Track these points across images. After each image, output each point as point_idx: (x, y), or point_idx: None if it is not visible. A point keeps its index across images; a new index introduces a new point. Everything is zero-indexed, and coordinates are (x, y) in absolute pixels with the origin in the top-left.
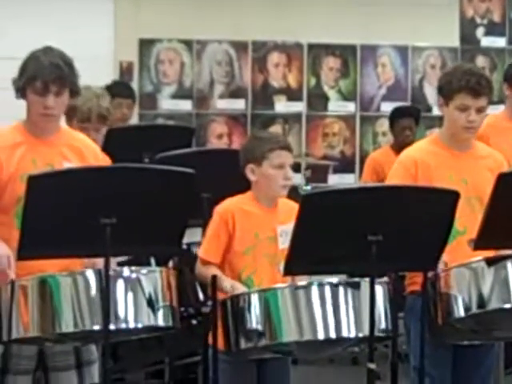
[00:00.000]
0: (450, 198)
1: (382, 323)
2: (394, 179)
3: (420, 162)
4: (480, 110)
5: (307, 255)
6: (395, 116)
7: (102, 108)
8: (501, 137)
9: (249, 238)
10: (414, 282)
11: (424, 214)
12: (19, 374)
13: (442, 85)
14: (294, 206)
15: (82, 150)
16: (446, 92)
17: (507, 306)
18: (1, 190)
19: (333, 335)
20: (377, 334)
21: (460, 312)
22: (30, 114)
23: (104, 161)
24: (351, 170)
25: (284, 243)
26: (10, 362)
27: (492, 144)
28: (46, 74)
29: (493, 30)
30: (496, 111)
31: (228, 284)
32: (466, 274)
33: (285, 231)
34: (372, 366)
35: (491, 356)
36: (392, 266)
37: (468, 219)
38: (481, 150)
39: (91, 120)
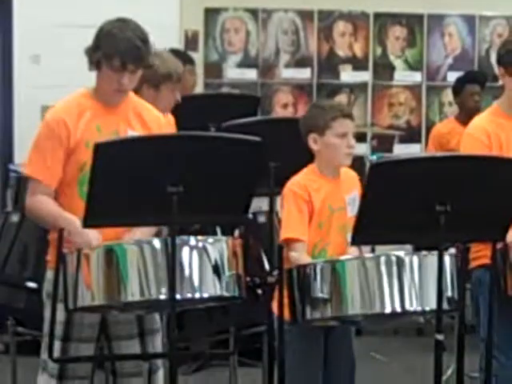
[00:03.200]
0: None
1: (449, 295)
2: (469, 152)
3: (492, 133)
4: None
5: (374, 225)
6: (462, 82)
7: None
8: None
9: (324, 211)
10: (480, 255)
11: (493, 185)
12: (82, 341)
13: (501, 54)
14: (354, 175)
15: (144, 117)
16: (506, 60)
17: None
18: (67, 158)
19: (399, 309)
20: (444, 306)
21: None
22: (101, 86)
23: (167, 126)
24: (417, 140)
25: (352, 211)
26: (72, 330)
27: None
28: (124, 54)
29: None
30: None
31: None
32: None
33: (352, 199)
34: (440, 337)
35: None
36: (460, 236)
37: None
38: None
39: (182, 78)
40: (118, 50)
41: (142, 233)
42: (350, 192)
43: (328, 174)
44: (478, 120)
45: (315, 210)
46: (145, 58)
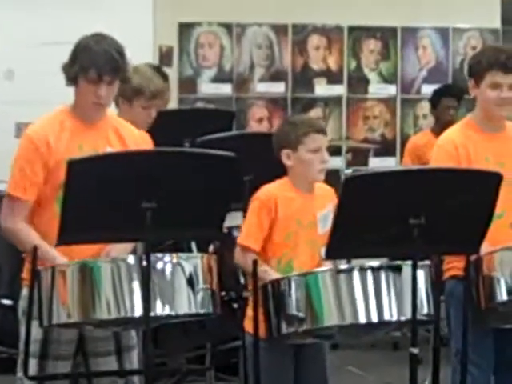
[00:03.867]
0: (493, 180)
1: (424, 307)
2: (437, 164)
3: (460, 145)
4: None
5: (349, 239)
6: (439, 95)
7: (165, 84)
8: None
9: (290, 224)
10: (453, 266)
11: (466, 197)
12: (59, 359)
13: (471, 66)
14: (329, 189)
15: (123, 134)
16: (476, 72)
17: None
18: (47, 176)
19: (374, 319)
20: (419, 317)
21: (503, 295)
22: (79, 101)
23: (145, 143)
24: (392, 153)
25: (323, 228)
26: (49, 347)
27: None
28: (100, 65)
29: None
30: None
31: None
32: (510, 257)
33: (324, 216)
34: (414, 350)
35: None
36: (434, 249)
37: (506, 202)
38: None
39: (158, 96)
40: (93, 61)
41: (119, 249)
42: (324, 208)
43: (301, 189)
44: (448, 132)
45: (279, 219)
46: (121, 69)
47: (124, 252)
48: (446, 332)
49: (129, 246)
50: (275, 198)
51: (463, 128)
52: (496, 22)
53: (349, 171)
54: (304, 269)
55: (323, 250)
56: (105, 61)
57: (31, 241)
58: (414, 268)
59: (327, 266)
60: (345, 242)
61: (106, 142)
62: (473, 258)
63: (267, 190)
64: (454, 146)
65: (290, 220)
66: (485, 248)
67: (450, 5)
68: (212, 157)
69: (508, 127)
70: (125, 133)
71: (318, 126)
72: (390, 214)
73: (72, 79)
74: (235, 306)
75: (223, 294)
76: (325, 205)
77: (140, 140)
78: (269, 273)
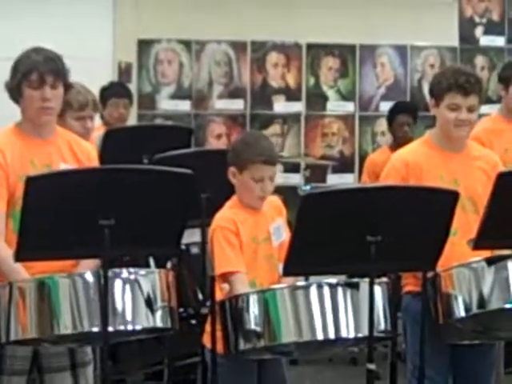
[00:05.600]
0: (449, 198)
1: (381, 323)
2: (385, 181)
3: (411, 163)
4: (471, 109)
5: (306, 256)
6: (393, 112)
7: (94, 95)
8: (498, 139)
9: (249, 243)
10: (408, 282)
11: (423, 214)
12: (14, 374)
13: (432, 86)
14: (276, 200)
15: (76, 150)
16: (436, 92)
17: (508, 305)
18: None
19: (332, 336)
20: (376, 334)
21: (461, 312)
22: (27, 111)
23: (95, 160)
24: (350, 170)
25: (277, 240)
26: (4, 362)
27: (495, 147)
28: (40, 67)
29: (492, 29)
30: (495, 110)
31: None
32: (467, 274)
33: (276, 228)
34: (371, 366)
35: (491, 356)
36: (391, 266)
37: (459, 220)
38: (475, 151)
39: (88, 106)
40: (34, 64)
41: (86, 265)
42: (274, 221)
43: (250, 206)
44: (403, 149)
45: (243, 242)
46: (61, 72)
47: (90, 267)
48: (403, 348)
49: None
50: (234, 221)
51: (420, 145)
52: (454, 40)
53: (307, 188)
54: (265, 284)
55: (281, 267)
56: (45, 63)
57: (5, 259)
58: (371, 285)
59: (285, 282)
60: (302, 258)
61: (60, 157)
62: (430, 274)
63: (223, 216)
64: (404, 164)
65: (248, 239)
66: None
67: (408, 23)
68: (169, 174)
69: (469, 146)
70: (78, 148)
71: (267, 157)
72: (347, 231)
73: (15, 90)
74: (193, 322)
75: (181, 310)
76: (274, 217)
77: (94, 156)
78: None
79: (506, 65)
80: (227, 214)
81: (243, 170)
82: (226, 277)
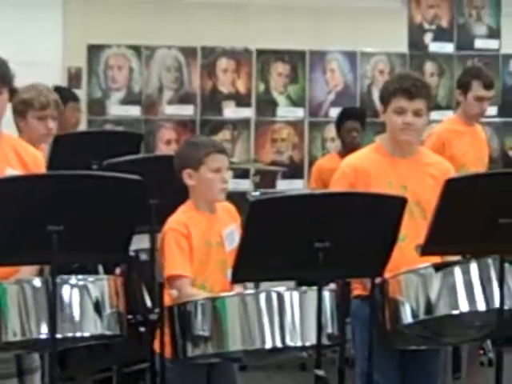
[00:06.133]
0: (397, 204)
1: (329, 330)
2: (333, 187)
3: (359, 169)
4: (417, 113)
5: (255, 262)
6: (341, 118)
7: (56, 96)
8: (458, 140)
9: (202, 246)
10: (357, 286)
11: (371, 221)
12: None
13: (381, 93)
14: (230, 207)
15: (22, 155)
16: (384, 98)
17: (455, 312)
18: None
19: (280, 344)
20: (324, 341)
21: (408, 318)
22: None
23: (42, 165)
24: (300, 176)
25: (230, 245)
26: None
27: (454, 148)
28: None
29: (441, 35)
30: (444, 117)
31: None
32: (414, 280)
33: (229, 233)
34: (319, 372)
35: (439, 361)
36: (339, 272)
37: (407, 225)
38: (426, 157)
39: (50, 106)
40: None
41: (26, 270)
42: (227, 226)
43: (204, 210)
44: (353, 155)
45: (194, 245)
46: (6, 75)
47: (30, 273)
48: (351, 353)
49: (35, 266)
50: (186, 225)
51: (370, 151)
52: (403, 47)
53: (256, 194)
54: (216, 289)
55: (229, 272)
56: None
57: None
58: (319, 292)
59: (235, 288)
60: (250, 265)
61: (6, 162)
62: (378, 280)
63: (176, 220)
64: (352, 170)
65: (200, 242)
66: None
67: (357, 29)
68: (118, 180)
69: (420, 152)
70: (24, 153)
71: (219, 147)
72: (295, 237)
73: None
74: (141, 329)
75: (130, 316)
76: (228, 223)
77: (40, 161)
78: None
79: (464, 71)
80: (180, 218)
81: (199, 166)
82: (172, 280)
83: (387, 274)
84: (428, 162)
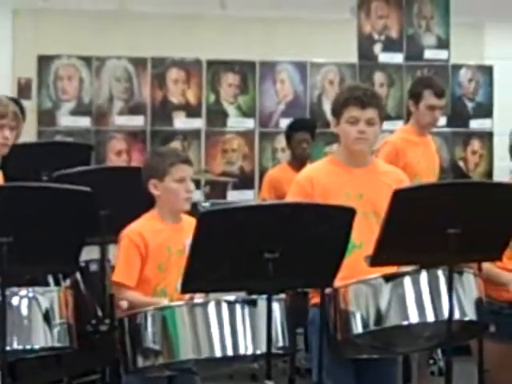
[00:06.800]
0: (346, 215)
1: (279, 340)
2: (289, 198)
3: (316, 180)
4: (370, 122)
5: (204, 273)
6: (291, 129)
7: (15, 107)
8: (411, 150)
9: (162, 252)
10: (315, 294)
11: (320, 231)
12: None
13: (332, 105)
14: (194, 222)
15: None
16: (335, 110)
17: (404, 322)
18: None
19: (230, 353)
20: (274, 350)
21: (358, 328)
22: None
23: None
24: (250, 187)
25: None
26: None
27: (408, 157)
28: None
29: (390, 46)
30: (394, 127)
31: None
32: (364, 291)
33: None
34: (269, 383)
35: (393, 369)
36: (289, 283)
37: (364, 233)
38: (380, 167)
39: (8, 115)
40: None
41: None
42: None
43: (169, 219)
44: (309, 167)
45: (150, 252)
46: None
47: None
48: (302, 363)
49: None
50: (142, 234)
51: (325, 163)
52: (353, 57)
53: (207, 204)
54: (175, 295)
55: (179, 284)
56: None
57: None
58: (269, 302)
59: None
60: (200, 275)
61: None
62: (328, 290)
63: (134, 227)
64: (309, 181)
65: (160, 249)
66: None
67: (307, 39)
68: (68, 191)
69: (375, 162)
70: None
71: (183, 157)
72: (244, 248)
73: None
74: (92, 340)
75: (80, 327)
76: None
77: None
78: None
79: (415, 80)
80: (136, 226)
81: (164, 177)
82: (115, 286)
83: (337, 284)
84: (383, 170)
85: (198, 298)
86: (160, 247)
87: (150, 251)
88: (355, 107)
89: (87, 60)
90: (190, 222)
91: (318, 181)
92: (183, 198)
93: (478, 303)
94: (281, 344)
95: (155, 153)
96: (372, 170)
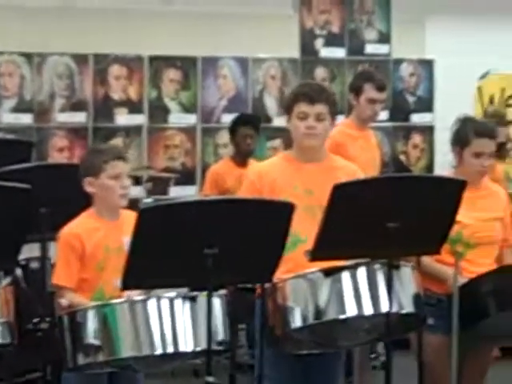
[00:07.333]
0: (285, 210)
1: (219, 336)
2: (240, 193)
3: (264, 174)
4: (319, 118)
5: (144, 269)
6: (236, 124)
7: None
8: (352, 144)
9: (100, 252)
10: (260, 285)
11: (259, 226)
12: None
13: (284, 102)
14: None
15: None
16: (287, 106)
17: (342, 316)
18: None
19: (170, 349)
20: (214, 347)
21: (297, 323)
22: None
23: None
24: (193, 182)
25: None
26: None
27: (349, 151)
28: None
29: (332, 40)
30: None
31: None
32: (303, 285)
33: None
34: (210, 379)
35: (338, 364)
36: (228, 278)
37: (310, 228)
38: (334, 162)
39: None
40: None
41: None
42: (130, 234)
43: (106, 217)
44: (259, 163)
45: (87, 252)
46: None
47: None
48: (244, 359)
49: None
50: (77, 233)
51: (277, 158)
52: (295, 52)
53: (149, 200)
54: (114, 295)
55: (119, 281)
56: None
57: None
58: (209, 298)
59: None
60: (140, 272)
61: None
62: (267, 285)
63: (70, 227)
64: (257, 175)
65: (98, 248)
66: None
67: (249, 35)
68: (7, 189)
69: (329, 158)
70: None
71: (118, 153)
72: (184, 244)
73: None
74: (33, 338)
75: (20, 325)
76: (130, 231)
77: None
78: (83, 303)
79: (356, 74)
80: (72, 226)
81: (99, 174)
82: (56, 289)
83: (282, 277)
84: (337, 165)
85: (137, 295)
86: (97, 246)
87: (87, 251)
88: (304, 103)
89: (28, 57)
90: (128, 217)
91: (267, 176)
92: (119, 195)
93: (416, 296)
94: (221, 340)
95: (91, 150)
96: (325, 166)
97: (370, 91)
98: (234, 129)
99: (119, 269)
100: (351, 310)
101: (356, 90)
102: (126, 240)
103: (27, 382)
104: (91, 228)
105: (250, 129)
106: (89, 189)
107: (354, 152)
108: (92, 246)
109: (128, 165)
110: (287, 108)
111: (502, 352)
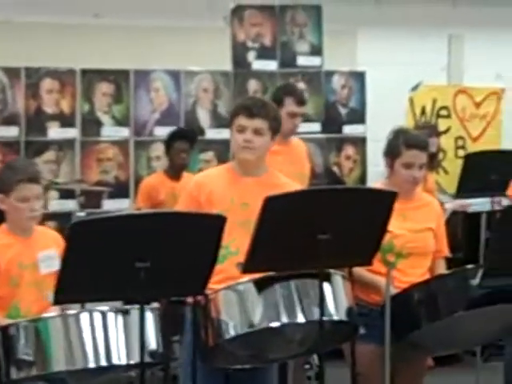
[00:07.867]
0: (217, 223)
1: (152, 349)
2: (178, 205)
3: (202, 185)
4: (257, 132)
5: (76, 284)
6: (171, 139)
7: None
8: (272, 159)
9: (13, 267)
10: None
11: (191, 239)
12: None
13: (228, 115)
14: (54, 233)
15: None
16: (229, 119)
17: (274, 324)
18: None
19: (103, 363)
20: (148, 359)
21: (229, 333)
22: None
23: None
24: (126, 195)
25: (46, 268)
26: None
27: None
28: None
29: (264, 53)
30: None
31: None
32: (234, 296)
33: (46, 256)
34: None
35: (268, 376)
36: (161, 291)
37: (242, 241)
38: (274, 179)
39: None
40: None
41: None
42: (46, 248)
43: (19, 233)
44: (200, 173)
45: (3, 268)
46: None
47: None
48: (179, 371)
49: None
50: None
51: (219, 170)
52: (227, 65)
53: (82, 214)
54: (32, 311)
55: (50, 295)
56: None
57: None
58: (142, 311)
59: (54, 309)
60: (73, 286)
61: None
62: (200, 297)
63: None
64: (195, 185)
65: (11, 265)
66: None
67: (181, 48)
68: None
69: (270, 174)
70: None
71: (30, 175)
72: (116, 257)
73: None
74: None
75: None
76: (48, 245)
77: None
78: None
79: (277, 88)
80: None
81: (10, 193)
82: None
83: (214, 288)
84: (277, 183)
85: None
86: (11, 263)
87: (0, 268)
88: (243, 116)
89: None
90: (43, 233)
91: (205, 185)
92: (26, 217)
93: (347, 305)
94: (154, 352)
95: (7, 166)
96: (263, 181)
97: (290, 105)
98: (169, 143)
99: (35, 284)
100: (283, 318)
101: (277, 102)
102: (41, 254)
103: None
104: (4, 244)
105: (185, 143)
106: (1, 205)
107: (275, 167)
108: (5, 262)
109: (40, 187)
110: (230, 121)
111: (435, 361)
